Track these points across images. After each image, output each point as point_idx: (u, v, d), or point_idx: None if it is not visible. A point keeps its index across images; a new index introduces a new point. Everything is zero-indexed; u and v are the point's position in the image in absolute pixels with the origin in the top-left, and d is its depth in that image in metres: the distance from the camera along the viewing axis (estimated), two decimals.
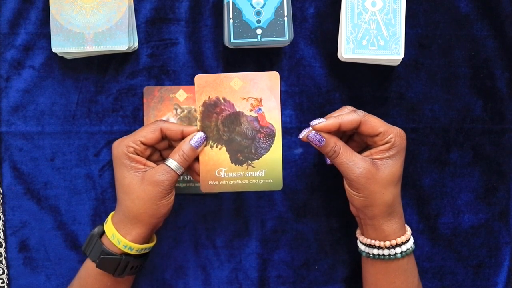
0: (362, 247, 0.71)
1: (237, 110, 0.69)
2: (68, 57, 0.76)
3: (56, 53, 0.75)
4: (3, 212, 0.78)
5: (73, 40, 0.74)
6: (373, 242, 0.69)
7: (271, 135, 0.70)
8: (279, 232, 0.80)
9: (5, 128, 0.78)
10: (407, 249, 0.69)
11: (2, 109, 0.78)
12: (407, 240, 0.69)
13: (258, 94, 0.69)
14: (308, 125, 0.69)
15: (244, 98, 0.69)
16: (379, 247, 0.69)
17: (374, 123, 0.68)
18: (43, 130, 0.78)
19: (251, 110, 0.69)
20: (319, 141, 0.67)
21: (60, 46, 0.74)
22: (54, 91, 0.78)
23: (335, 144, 0.67)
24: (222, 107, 0.69)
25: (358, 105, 0.72)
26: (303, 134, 0.69)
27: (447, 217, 0.80)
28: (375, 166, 0.67)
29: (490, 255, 0.81)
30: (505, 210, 0.80)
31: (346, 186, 0.69)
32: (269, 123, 0.69)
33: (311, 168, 0.79)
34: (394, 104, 0.79)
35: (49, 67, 0.77)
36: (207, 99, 0.69)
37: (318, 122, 0.67)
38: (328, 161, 0.73)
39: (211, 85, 0.69)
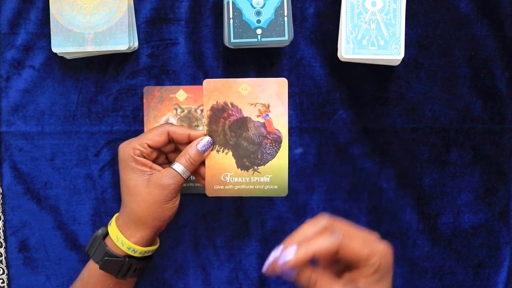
0: None
1: (245, 115, 0.69)
2: (68, 57, 0.76)
3: (56, 53, 0.75)
4: (3, 212, 0.78)
5: (73, 40, 0.73)
6: None
7: (277, 141, 0.69)
8: (279, 232, 0.80)
9: (5, 128, 0.78)
10: None
11: (2, 109, 0.78)
12: None
13: (266, 100, 0.69)
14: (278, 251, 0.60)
15: (252, 104, 0.69)
16: None
17: (354, 249, 0.58)
18: (43, 130, 0.78)
19: (258, 116, 0.69)
20: (289, 276, 0.59)
21: (60, 46, 0.74)
22: (54, 91, 0.78)
23: (309, 278, 0.59)
24: (230, 112, 0.69)
25: (358, 105, 0.72)
26: (266, 267, 0.59)
27: (447, 217, 0.80)
28: None
29: (490, 255, 0.81)
30: (505, 210, 0.81)
31: None
32: (276, 129, 0.69)
33: (311, 168, 0.79)
34: (394, 104, 0.79)
35: (49, 67, 0.77)
36: (215, 103, 0.69)
37: (286, 258, 0.57)
38: None
39: (219, 90, 0.69)
